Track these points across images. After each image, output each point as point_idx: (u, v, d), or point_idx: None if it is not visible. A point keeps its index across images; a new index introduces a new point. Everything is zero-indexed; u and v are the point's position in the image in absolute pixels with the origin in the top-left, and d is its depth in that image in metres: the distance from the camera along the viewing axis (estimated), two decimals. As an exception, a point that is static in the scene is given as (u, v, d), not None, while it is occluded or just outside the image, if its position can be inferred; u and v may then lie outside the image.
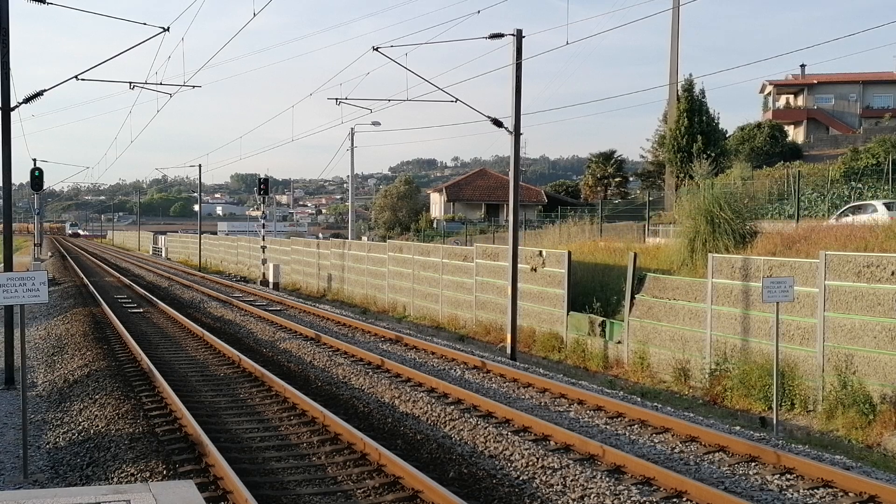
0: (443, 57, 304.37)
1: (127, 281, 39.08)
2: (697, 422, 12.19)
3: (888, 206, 24.36)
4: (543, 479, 9.55)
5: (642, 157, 66.38)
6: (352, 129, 46.99)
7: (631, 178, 70.18)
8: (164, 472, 9.54)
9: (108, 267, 52.14)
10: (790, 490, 9.25)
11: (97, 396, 13.65)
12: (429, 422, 12.33)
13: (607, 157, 65.88)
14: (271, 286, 38.87)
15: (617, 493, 8.89)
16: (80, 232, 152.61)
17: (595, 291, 21.77)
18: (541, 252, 23.06)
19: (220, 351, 18.42)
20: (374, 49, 19.78)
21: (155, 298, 29.90)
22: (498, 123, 20.59)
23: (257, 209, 55.42)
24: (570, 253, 22.26)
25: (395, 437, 11.51)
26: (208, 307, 28.50)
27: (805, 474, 9.62)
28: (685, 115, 44.32)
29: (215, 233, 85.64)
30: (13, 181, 16.82)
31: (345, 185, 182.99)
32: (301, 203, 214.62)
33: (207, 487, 9.00)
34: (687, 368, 17.38)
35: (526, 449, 10.51)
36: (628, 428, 11.92)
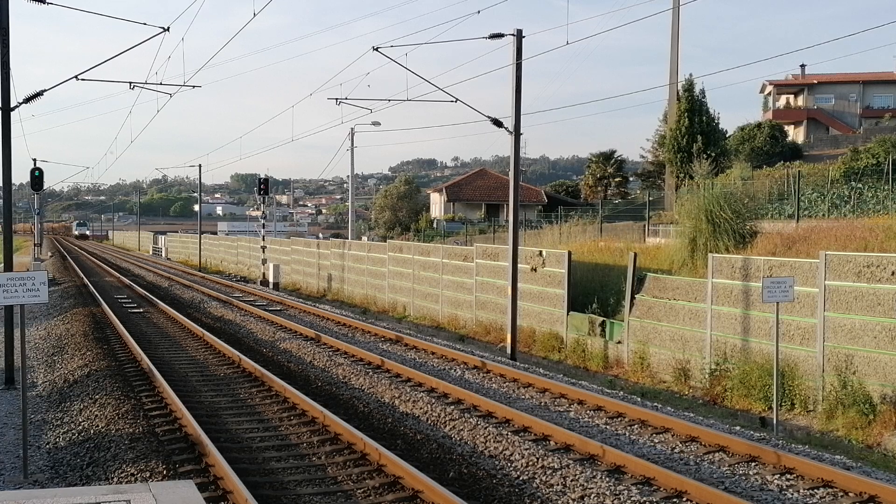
0: (443, 57, 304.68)
1: (127, 281, 39.08)
2: (697, 422, 12.19)
3: None
4: (543, 479, 9.55)
5: (642, 157, 66.41)
6: (352, 129, 47.01)
7: (631, 178, 70.11)
8: (165, 472, 9.54)
9: (108, 267, 52.15)
10: (790, 490, 9.25)
11: (97, 396, 13.65)
12: (429, 422, 12.34)
13: (607, 157, 65.83)
14: (271, 286, 38.87)
15: (617, 493, 8.89)
16: (88, 233, 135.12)
17: (595, 291, 21.77)
18: (541, 252, 23.05)
19: (220, 351, 18.42)
20: (374, 49, 19.78)
21: (155, 298, 29.90)
22: (498, 123, 20.59)
23: (257, 209, 55.41)
24: (570, 253, 22.26)
25: (395, 437, 11.51)
26: (208, 307, 28.50)
27: (805, 474, 9.62)
28: (685, 115, 44.28)
29: (215, 233, 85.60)
30: (13, 181, 16.82)
31: (345, 185, 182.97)
32: (301, 203, 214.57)
33: (207, 487, 9.00)
34: (687, 368, 17.38)
35: (526, 449, 10.51)
36: (628, 428, 11.92)
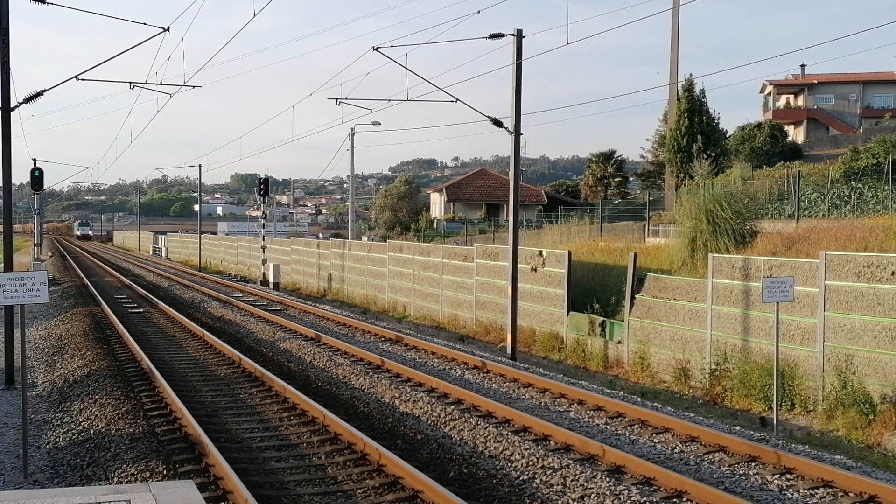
0: (443, 57, 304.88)
1: (127, 281, 39.09)
2: (697, 422, 12.19)
3: None
4: (543, 479, 9.55)
5: (642, 157, 66.40)
6: (352, 129, 47.01)
7: (631, 178, 70.10)
8: (165, 472, 9.54)
9: (108, 267, 52.15)
10: (790, 490, 9.26)
11: (97, 396, 13.65)
12: (429, 422, 12.34)
13: (607, 157, 65.83)
14: (271, 286, 38.88)
15: (617, 493, 8.89)
16: (91, 233, 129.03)
17: (595, 291, 21.77)
18: (541, 252, 23.05)
19: (220, 351, 18.42)
20: (374, 49, 19.79)
21: (155, 298, 29.90)
22: (498, 123, 20.59)
23: (257, 209, 55.42)
24: (570, 253, 22.26)
25: (395, 437, 11.51)
26: (208, 307, 28.50)
27: (805, 474, 9.62)
28: (685, 115, 44.27)
29: (215, 233, 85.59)
30: (13, 181, 16.82)
31: (345, 185, 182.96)
32: (301, 203, 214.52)
33: (207, 487, 9.00)
34: (687, 368, 17.38)
35: (526, 449, 10.51)
36: (628, 428, 11.92)
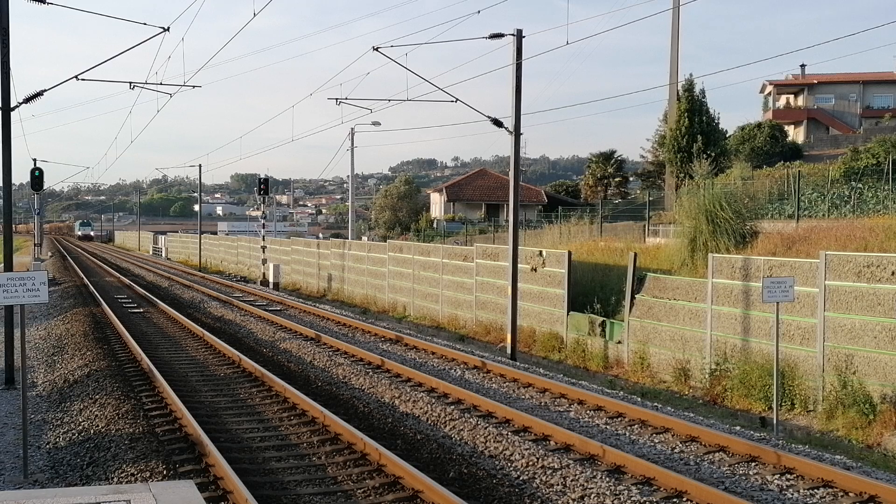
0: (443, 57, 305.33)
1: (127, 281, 39.09)
2: (697, 422, 12.19)
3: None
4: (543, 479, 9.55)
5: (642, 157, 66.35)
6: (352, 129, 47.00)
7: (631, 178, 70.08)
8: (165, 472, 9.55)
9: (108, 267, 52.16)
10: (790, 490, 9.26)
11: (97, 396, 13.65)
12: (429, 422, 12.34)
13: (607, 157, 65.83)
14: (271, 286, 38.88)
15: (617, 493, 8.89)
16: (92, 233, 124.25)
17: (595, 291, 21.77)
18: (541, 252, 23.05)
19: (220, 351, 18.42)
20: (374, 49, 19.79)
21: (155, 298, 29.90)
22: (498, 123, 20.60)
23: (257, 209, 55.45)
24: (570, 253, 22.26)
25: (395, 437, 11.51)
26: (208, 307, 28.50)
27: (805, 474, 9.62)
28: (685, 115, 44.25)
29: (215, 233, 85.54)
30: (13, 181, 16.82)
31: (345, 185, 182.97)
32: (301, 203, 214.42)
33: (207, 487, 9.00)
34: (687, 368, 17.38)
35: (526, 449, 10.51)
36: (628, 428, 11.92)
